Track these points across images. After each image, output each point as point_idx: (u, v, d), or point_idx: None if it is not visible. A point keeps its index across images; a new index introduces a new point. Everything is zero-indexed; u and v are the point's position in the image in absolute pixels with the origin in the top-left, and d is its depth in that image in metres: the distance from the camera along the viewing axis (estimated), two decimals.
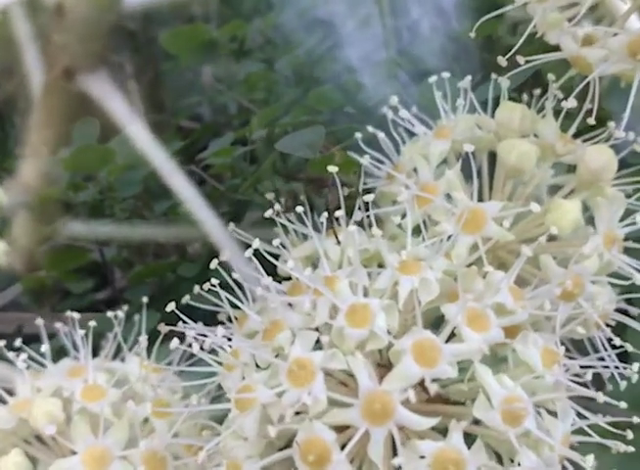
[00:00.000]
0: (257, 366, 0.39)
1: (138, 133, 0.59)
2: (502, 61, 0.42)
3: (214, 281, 0.40)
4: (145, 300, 0.48)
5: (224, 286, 0.41)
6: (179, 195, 0.58)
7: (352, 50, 0.66)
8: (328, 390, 0.36)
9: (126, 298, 0.65)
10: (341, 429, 0.37)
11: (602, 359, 0.43)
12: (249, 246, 0.40)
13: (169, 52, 0.74)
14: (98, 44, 0.69)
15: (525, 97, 0.48)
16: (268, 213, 0.43)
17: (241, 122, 0.71)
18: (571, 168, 0.47)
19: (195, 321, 0.41)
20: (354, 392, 0.36)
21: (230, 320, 0.43)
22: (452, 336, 0.38)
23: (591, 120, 0.43)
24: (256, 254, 0.41)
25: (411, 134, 0.49)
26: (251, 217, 0.64)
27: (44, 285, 0.70)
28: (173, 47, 0.73)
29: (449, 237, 0.41)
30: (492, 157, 0.47)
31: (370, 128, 0.48)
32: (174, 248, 0.71)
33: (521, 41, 0.43)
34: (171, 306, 0.40)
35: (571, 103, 0.42)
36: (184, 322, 0.41)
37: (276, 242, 0.41)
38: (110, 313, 0.46)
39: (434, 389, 0.35)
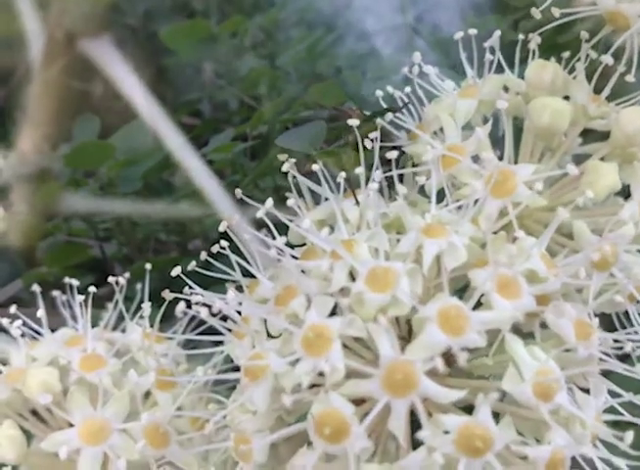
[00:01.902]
0: (269, 335, 0.37)
1: (136, 95, 0.56)
2: (536, 12, 0.39)
3: (224, 243, 0.38)
4: (148, 266, 0.45)
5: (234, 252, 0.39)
6: (179, 157, 0.56)
7: (367, 15, 0.63)
8: (346, 359, 0.34)
9: (126, 293, 0.64)
10: (358, 402, 0.34)
11: (633, 334, 0.40)
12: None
13: (170, 48, 0.73)
14: (100, 9, 0.67)
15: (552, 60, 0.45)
16: (285, 167, 0.40)
17: (242, 118, 0.71)
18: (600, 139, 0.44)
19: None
20: (374, 364, 0.34)
21: (240, 290, 0.40)
22: (479, 305, 0.35)
23: (630, 78, 0.40)
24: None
25: (431, 98, 0.46)
26: (252, 214, 0.62)
27: (45, 281, 0.68)
28: (174, 43, 0.72)
29: (476, 202, 0.38)
30: (516, 126, 0.44)
31: (390, 88, 0.45)
32: (175, 244, 0.70)
33: None
34: (177, 271, 0.38)
35: (608, 59, 0.40)
36: (190, 288, 0.38)
37: (290, 202, 0.38)
38: (111, 279, 0.43)
39: (463, 358, 0.32)
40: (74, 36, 0.67)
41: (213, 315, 0.36)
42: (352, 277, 0.36)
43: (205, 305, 0.37)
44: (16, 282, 0.70)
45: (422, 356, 0.33)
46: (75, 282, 0.45)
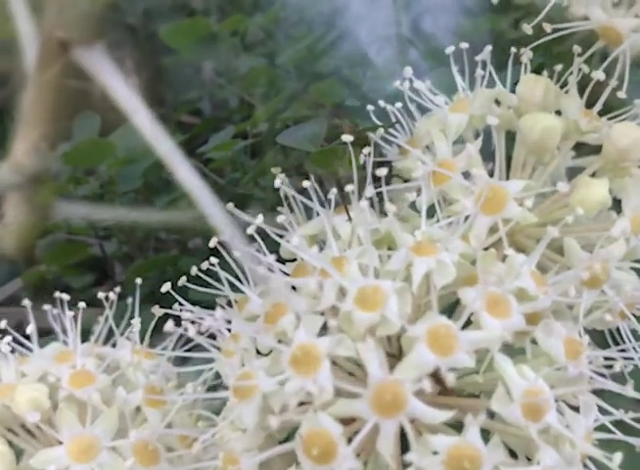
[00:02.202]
0: (258, 353, 0.37)
1: (129, 104, 0.56)
2: (527, 29, 0.39)
3: (214, 260, 0.37)
4: (139, 281, 0.45)
5: (224, 268, 0.38)
6: (172, 167, 0.56)
7: (361, 25, 0.63)
8: (335, 378, 0.34)
9: (126, 292, 0.64)
10: (347, 421, 0.34)
11: (623, 351, 0.40)
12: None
13: (170, 46, 0.73)
14: (93, 17, 0.67)
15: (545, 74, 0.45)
16: (277, 183, 0.40)
17: (242, 117, 0.71)
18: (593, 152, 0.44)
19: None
20: (363, 382, 0.34)
21: (230, 305, 0.40)
22: (468, 323, 0.35)
23: (622, 94, 0.40)
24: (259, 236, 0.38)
25: (423, 111, 0.46)
26: (252, 213, 0.62)
27: (44, 280, 0.69)
28: (174, 42, 0.72)
29: (466, 218, 0.38)
30: (508, 138, 0.44)
31: (382, 102, 0.45)
32: (175, 242, 0.69)
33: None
34: (166, 287, 0.38)
35: (599, 75, 0.39)
36: (180, 304, 0.38)
37: (281, 218, 0.38)
38: (100, 294, 0.43)
39: (450, 379, 0.32)
40: (68, 44, 0.67)
41: (202, 333, 0.36)
42: (343, 294, 0.36)
43: (193, 322, 0.37)
44: (15, 281, 0.70)
45: (411, 377, 0.33)
46: (66, 296, 0.45)
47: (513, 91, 0.44)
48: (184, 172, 0.58)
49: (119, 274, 0.71)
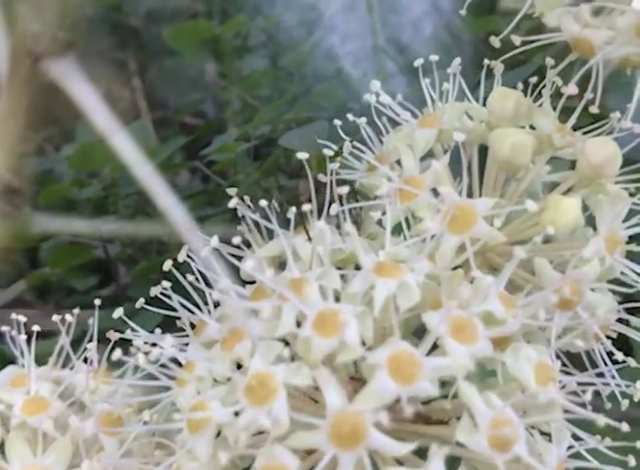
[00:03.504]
0: (216, 380, 0.35)
1: (99, 116, 0.55)
2: (495, 41, 0.38)
3: (166, 284, 0.36)
4: (97, 302, 0.43)
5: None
6: (153, 194, 0.55)
7: (335, 36, 0.62)
8: (292, 409, 0.32)
9: (130, 294, 0.65)
10: (305, 453, 0.32)
11: (601, 375, 0.39)
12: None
13: (173, 49, 0.74)
14: (66, 29, 0.66)
15: (519, 85, 0.43)
16: (232, 203, 0.38)
17: (244, 119, 0.71)
18: (569, 166, 0.43)
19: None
20: (321, 411, 0.32)
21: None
22: (434, 348, 0.34)
23: (594, 109, 0.38)
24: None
25: (395, 125, 0.44)
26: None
27: (48, 282, 0.70)
28: (176, 44, 0.73)
29: (433, 236, 0.36)
30: (483, 152, 0.42)
31: (350, 116, 0.43)
32: (177, 244, 0.68)
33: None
34: (119, 313, 0.36)
35: (571, 89, 0.38)
36: (133, 330, 0.36)
37: (236, 240, 0.36)
38: (55, 317, 0.41)
39: (409, 410, 0.30)
40: (38, 56, 0.65)
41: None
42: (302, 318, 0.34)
43: (154, 344, 0.35)
44: (19, 283, 0.70)
45: (371, 407, 0.31)
46: (22, 318, 0.43)
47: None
48: (163, 197, 0.56)
49: (123, 276, 0.71)
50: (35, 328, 0.42)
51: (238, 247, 0.38)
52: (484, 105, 0.42)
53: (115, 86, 0.86)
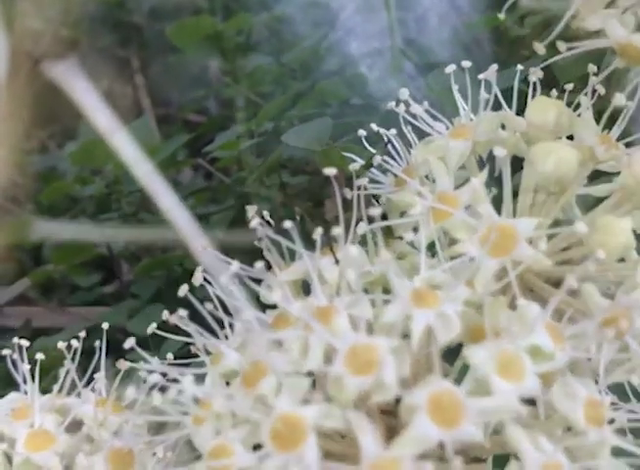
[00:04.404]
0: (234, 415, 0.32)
1: (101, 120, 0.53)
2: (539, 47, 0.35)
3: (182, 313, 0.33)
4: (105, 325, 0.40)
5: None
6: (153, 193, 0.53)
7: (353, 38, 0.59)
8: (320, 449, 0.29)
9: (133, 291, 0.64)
10: None
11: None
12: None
13: (175, 45, 0.73)
14: (68, 27, 0.64)
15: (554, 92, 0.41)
16: (254, 223, 0.35)
17: (247, 116, 0.69)
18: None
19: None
20: (355, 456, 0.29)
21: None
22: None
23: None
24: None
25: (419, 133, 0.41)
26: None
27: (52, 279, 0.70)
28: (179, 40, 0.71)
29: (471, 259, 0.33)
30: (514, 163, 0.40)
31: (374, 126, 0.40)
32: (181, 242, 0.67)
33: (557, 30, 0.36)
34: (130, 343, 0.33)
35: (619, 100, 0.35)
36: (145, 361, 0.33)
37: (259, 265, 0.33)
38: (61, 344, 0.38)
39: (458, 464, 0.27)
40: (37, 58, 0.63)
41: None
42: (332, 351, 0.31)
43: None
44: (23, 280, 0.69)
45: (411, 453, 0.28)
46: (25, 343, 0.40)
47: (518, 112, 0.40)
48: (164, 197, 0.54)
49: (126, 273, 0.70)
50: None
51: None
52: (517, 113, 0.40)
53: (118, 84, 0.85)
